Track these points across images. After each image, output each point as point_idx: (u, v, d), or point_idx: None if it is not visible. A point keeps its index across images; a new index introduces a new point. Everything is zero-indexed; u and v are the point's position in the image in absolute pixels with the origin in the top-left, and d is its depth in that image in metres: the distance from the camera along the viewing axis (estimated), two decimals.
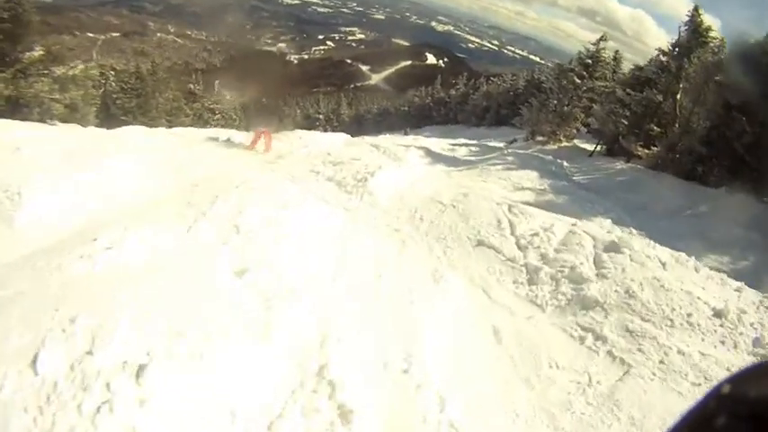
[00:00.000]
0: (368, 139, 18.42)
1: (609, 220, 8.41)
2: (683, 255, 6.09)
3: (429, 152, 14.28)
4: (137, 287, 3.23)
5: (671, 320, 4.68)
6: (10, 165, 5.78)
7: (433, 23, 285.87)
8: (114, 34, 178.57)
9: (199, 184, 6.52)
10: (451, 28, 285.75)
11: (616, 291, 5.11)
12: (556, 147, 20.14)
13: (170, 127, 21.28)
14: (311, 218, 5.67)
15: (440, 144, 18.65)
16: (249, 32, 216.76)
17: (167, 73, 34.86)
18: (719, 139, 13.16)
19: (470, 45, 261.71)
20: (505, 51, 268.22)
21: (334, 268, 4.73)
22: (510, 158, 13.75)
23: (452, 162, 13.55)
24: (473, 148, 18.03)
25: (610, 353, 4.32)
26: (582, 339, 4.54)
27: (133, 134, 11.23)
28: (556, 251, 6.03)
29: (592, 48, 20.03)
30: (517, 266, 5.81)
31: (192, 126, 25.59)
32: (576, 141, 21.23)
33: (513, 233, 6.47)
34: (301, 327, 3.59)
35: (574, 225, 6.67)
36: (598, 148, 18.27)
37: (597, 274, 5.45)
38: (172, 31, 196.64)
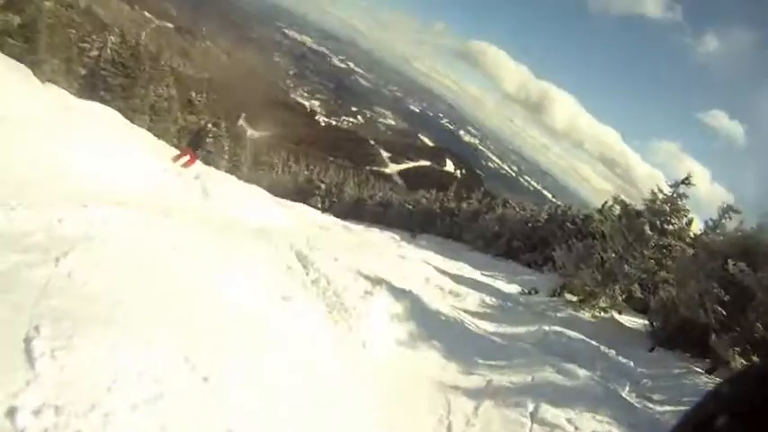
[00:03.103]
0: (346, 259, 12.27)
1: None
2: None
3: (417, 306, 7.67)
4: None
5: None
6: None
7: (461, 132, 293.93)
8: (168, 24, 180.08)
9: None
10: (477, 141, 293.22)
11: None
12: (590, 316, 14.07)
13: (151, 127, 20.27)
14: None
15: (439, 273, 12.54)
16: (290, 78, 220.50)
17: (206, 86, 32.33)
18: None
19: (490, 164, 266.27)
20: (521, 180, 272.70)
21: None
22: (556, 347, 7.39)
23: (461, 338, 7.05)
24: (486, 298, 11.70)
25: None
26: None
27: None
28: None
29: (668, 190, 14.38)
30: None
31: (177, 137, 22.82)
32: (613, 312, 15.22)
33: None
34: None
35: None
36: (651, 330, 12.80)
37: None
38: (221, 45, 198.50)
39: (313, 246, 9.09)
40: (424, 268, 13.29)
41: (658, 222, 14.27)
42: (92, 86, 20.93)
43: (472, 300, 11.16)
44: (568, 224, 27.59)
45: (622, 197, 16.68)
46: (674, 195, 14.24)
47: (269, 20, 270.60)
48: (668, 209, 14.23)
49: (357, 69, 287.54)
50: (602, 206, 26.77)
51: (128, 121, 16.32)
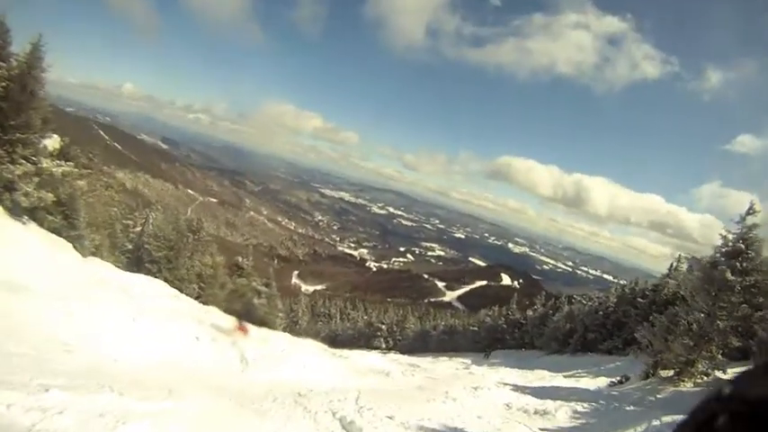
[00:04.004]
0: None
1: None
2: None
3: None
4: None
5: None
6: None
7: (510, 245, 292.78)
8: (212, 199, 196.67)
9: None
10: (527, 249, 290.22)
11: None
12: (692, 385, 12.55)
13: (201, 294, 21.28)
14: None
15: (519, 393, 11.37)
16: (336, 232, 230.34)
17: (253, 255, 33.77)
18: None
19: (545, 266, 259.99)
20: (579, 272, 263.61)
21: None
22: None
23: None
24: (577, 407, 10.19)
25: None
26: None
27: None
28: None
29: (734, 229, 13.19)
30: None
31: (226, 300, 23.02)
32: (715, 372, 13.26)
33: None
34: None
35: None
36: None
37: None
38: (264, 213, 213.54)
39: (363, 404, 8.08)
40: (501, 393, 11.97)
41: (738, 263, 12.96)
42: (137, 259, 22.39)
43: (563, 414, 9.72)
44: (639, 299, 25.78)
45: (686, 255, 15.53)
46: (744, 230, 13.09)
47: (305, 183, 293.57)
48: (743, 246, 12.99)
49: (397, 212, 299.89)
50: (669, 270, 25.37)
51: (174, 291, 16.74)
